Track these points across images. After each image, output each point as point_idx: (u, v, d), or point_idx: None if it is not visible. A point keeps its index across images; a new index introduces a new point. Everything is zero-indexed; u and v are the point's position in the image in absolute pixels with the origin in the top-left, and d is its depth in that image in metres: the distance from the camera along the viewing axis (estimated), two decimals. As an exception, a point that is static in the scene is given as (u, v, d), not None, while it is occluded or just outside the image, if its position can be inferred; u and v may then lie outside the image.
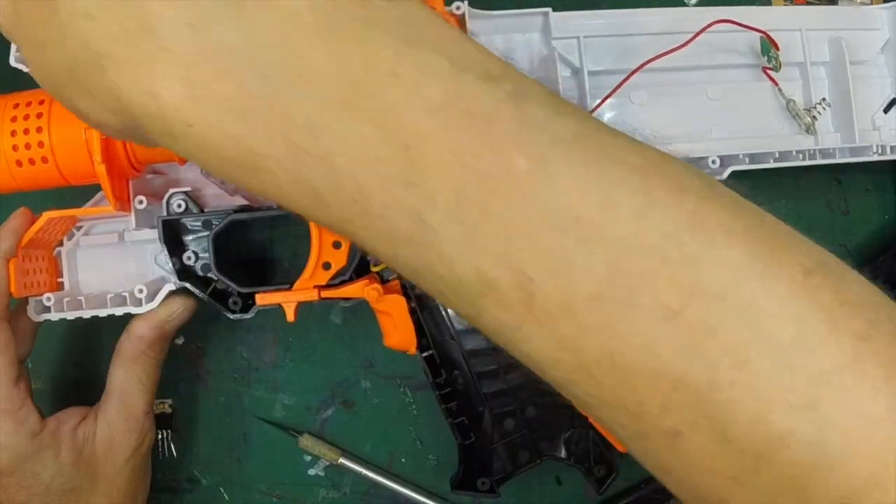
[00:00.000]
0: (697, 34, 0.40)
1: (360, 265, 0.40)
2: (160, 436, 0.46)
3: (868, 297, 0.22)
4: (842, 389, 0.20)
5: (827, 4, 0.47)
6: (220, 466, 0.47)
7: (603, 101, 0.41)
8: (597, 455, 0.42)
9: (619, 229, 0.21)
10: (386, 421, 0.47)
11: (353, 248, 0.40)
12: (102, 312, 0.40)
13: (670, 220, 0.21)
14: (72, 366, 0.48)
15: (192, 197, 0.40)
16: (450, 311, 0.41)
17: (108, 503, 0.40)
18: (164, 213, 0.40)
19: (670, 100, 0.44)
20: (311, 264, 0.39)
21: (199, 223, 0.41)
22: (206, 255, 0.40)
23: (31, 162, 0.36)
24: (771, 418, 0.20)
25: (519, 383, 0.42)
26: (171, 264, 0.40)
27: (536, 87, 0.22)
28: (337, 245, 0.39)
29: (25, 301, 0.40)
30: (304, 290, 0.39)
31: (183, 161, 0.40)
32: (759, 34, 0.42)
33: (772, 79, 0.43)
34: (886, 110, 0.45)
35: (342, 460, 0.46)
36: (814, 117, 0.44)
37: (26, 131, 0.36)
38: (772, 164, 0.42)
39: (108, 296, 0.40)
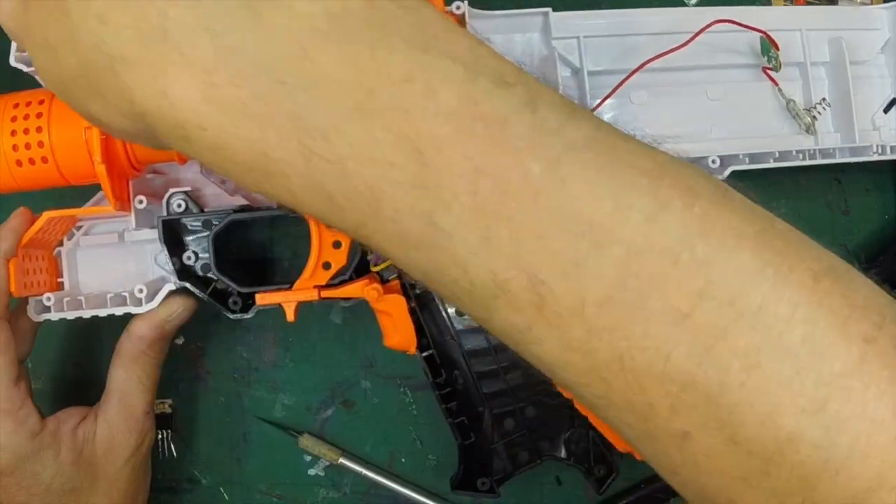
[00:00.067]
0: (697, 34, 0.40)
1: (360, 265, 0.40)
2: (160, 436, 0.46)
3: (874, 299, 0.22)
4: (849, 392, 0.21)
5: (827, 4, 0.47)
6: (220, 466, 0.47)
7: (603, 101, 0.41)
8: (597, 455, 0.42)
9: (630, 233, 0.21)
10: (386, 421, 0.47)
11: (353, 248, 0.40)
12: (102, 312, 0.40)
13: (681, 224, 0.21)
14: (72, 366, 0.48)
15: (192, 197, 0.40)
16: (450, 310, 0.41)
17: (108, 503, 0.40)
18: (164, 213, 0.40)
19: (670, 100, 0.44)
20: (311, 264, 0.39)
21: (199, 223, 0.41)
22: (206, 254, 0.40)
23: (31, 162, 0.36)
24: (780, 421, 0.21)
25: (519, 383, 0.42)
26: (171, 264, 0.40)
27: (549, 92, 0.22)
28: (337, 245, 0.39)
29: (25, 301, 0.40)
30: (304, 289, 0.39)
31: (183, 161, 0.40)
32: (759, 34, 0.42)
33: (772, 79, 0.43)
34: (886, 110, 0.45)
35: (342, 460, 0.46)
36: (814, 117, 0.44)
37: (26, 131, 0.36)
38: (772, 164, 0.42)
39: (108, 296, 0.40)
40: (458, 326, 0.41)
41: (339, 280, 0.39)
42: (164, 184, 0.42)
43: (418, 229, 0.22)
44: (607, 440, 0.42)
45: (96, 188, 0.38)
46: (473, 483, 0.42)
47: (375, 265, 0.40)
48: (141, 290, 0.40)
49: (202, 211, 0.40)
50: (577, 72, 0.43)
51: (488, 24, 0.41)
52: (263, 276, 0.47)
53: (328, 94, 0.21)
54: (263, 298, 0.39)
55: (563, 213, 0.21)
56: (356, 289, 0.39)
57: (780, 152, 0.42)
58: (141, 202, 0.39)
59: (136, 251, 0.43)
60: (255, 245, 0.47)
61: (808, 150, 0.42)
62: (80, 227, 0.42)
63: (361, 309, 0.41)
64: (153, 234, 0.40)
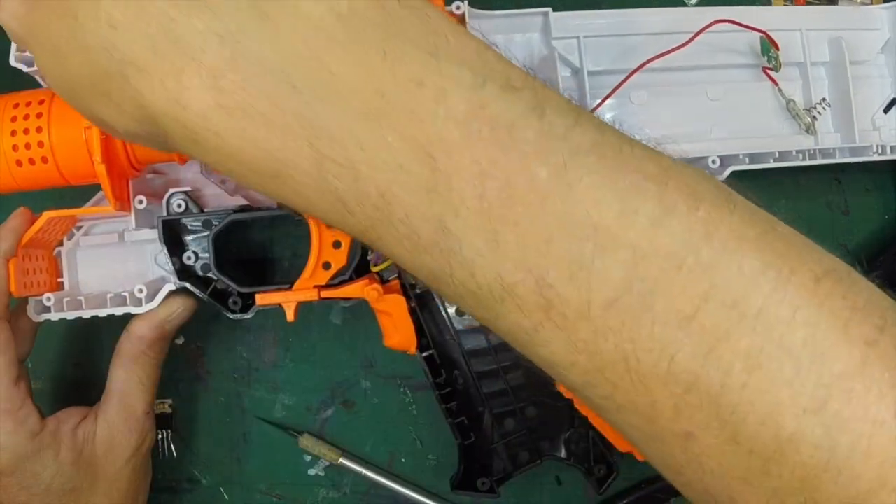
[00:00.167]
0: (697, 34, 0.40)
1: (360, 265, 0.40)
2: (160, 436, 0.46)
3: (876, 302, 0.23)
4: (850, 393, 0.21)
5: (827, 4, 0.47)
6: (220, 466, 0.47)
7: (603, 101, 0.41)
8: (597, 455, 0.43)
9: (636, 236, 0.21)
10: (386, 421, 0.47)
11: (353, 248, 0.40)
12: (102, 312, 0.40)
13: (686, 228, 0.21)
14: (72, 366, 0.48)
15: (192, 197, 0.40)
16: (450, 310, 0.41)
17: (108, 503, 0.40)
18: (164, 213, 0.40)
19: (670, 100, 0.44)
20: (311, 264, 0.39)
21: (199, 223, 0.41)
22: (206, 254, 0.40)
23: (31, 162, 0.36)
24: (781, 421, 0.21)
25: (519, 383, 0.42)
26: (171, 264, 0.40)
27: (556, 97, 0.23)
28: (337, 245, 0.39)
29: (25, 301, 0.40)
30: (304, 290, 0.39)
31: (183, 161, 0.40)
32: (759, 34, 0.42)
33: (772, 79, 0.43)
34: (886, 110, 0.45)
35: (342, 460, 0.46)
36: (814, 117, 0.44)
37: (26, 131, 0.36)
38: (772, 164, 0.42)
39: (108, 296, 0.40)
40: (458, 326, 0.41)
41: (339, 280, 0.39)
42: (164, 184, 0.42)
43: (428, 233, 0.22)
44: (607, 440, 0.42)
45: (96, 188, 0.38)
46: (473, 483, 0.42)
47: (375, 265, 0.40)
48: (141, 291, 0.40)
49: (202, 211, 0.40)
50: (577, 72, 0.43)
51: (488, 24, 0.41)
52: (263, 276, 0.47)
53: (339, 97, 0.21)
54: (263, 298, 0.39)
55: (569, 217, 0.21)
56: (356, 289, 0.39)
57: (780, 152, 0.42)
58: (141, 202, 0.39)
59: (136, 251, 0.43)
60: (255, 245, 0.47)
61: (808, 150, 0.42)
62: (80, 227, 0.42)
63: (361, 309, 0.41)
64: (153, 234, 0.40)
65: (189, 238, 0.41)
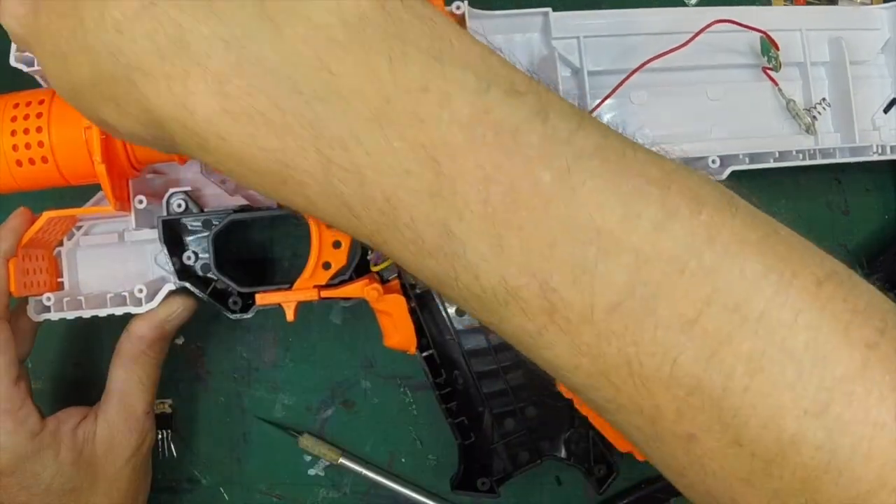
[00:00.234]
0: (697, 34, 0.40)
1: (360, 265, 0.40)
2: (160, 436, 0.46)
3: (877, 304, 0.23)
4: (851, 396, 0.21)
5: (827, 4, 0.47)
6: (220, 466, 0.47)
7: (603, 101, 0.41)
8: (597, 455, 0.43)
9: (639, 240, 0.21)
10: (386, 421, 0.47)
11: (353, 248, 0.40)
12: (102, 312, 0.40)
13: (688, 232, 0.21)
14: (72, 366, 0.48)
15: (192, 197, 0.40)
16: (450, 310, 0.41)
17: (108, 503, 0.40)
18: (164, 213, 0.40)
19: (670, 100, 0.44)
20: (311, 264, 0.39)
21: (199, 223, 0.41)
22: (206, 254, 0.40)
23: (31, 162, 0.36)
24: (783, 423, 0.21)
25: (519, 383, 0.42)
26: (170, 264, 0.40)
27: (559, 101, 0.23)
28: (337, 245, 0.39)
29: (25, 301, 0.40)
30: (304, 289, 0.39)
31: (183, 161, 0.40)
32: (759, 34, 0.42)
33: (772, 79, 0.43)
34: (886, 110, 0.45)
35: (342, 460, 0.46)
36: (814, 117, 0.44)
37: (26, 131, 0.36)
38: (772, 164, 0.42)
39: (108, 296, 0.40)
40: (458, 326, 0.41)
41: (339, 280, 0.39)
42: (163, 184, 0.42)
43: (433, 237, 0.22)
44: (607, 440, 0.42)
45: (96, 188, 0.38)
46: (473, 483, 0.42)
47: (375, 265, 0.40)
48: (141, 290, 0.40)
49: (202, 211, 0.40)
50: (577, 72, 0.43)
51: (488, 24, 0.41)
52: (263, 276, 0.47)
53: (345, 103, 0.21)
54: (263, 298, 0.39)
55: (572, 221, 0.21)
56: (356, 289, 0.39)
57: (780, 152, 0.42)
58: (141, 202, 0.39)
59: (136, 251, 0.43)
60: (255, 245, 0.47)
61: (808, 150, 0.42)
62: (80, 227, 0.42)
63: (361, 309, 0.41)
64: (153, 233, 0.40)
65: (189, 238, 0.41)
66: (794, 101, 0.44)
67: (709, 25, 0.40)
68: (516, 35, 0.43)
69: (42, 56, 0.26)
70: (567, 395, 0.40)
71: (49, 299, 0.40)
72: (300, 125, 0.22)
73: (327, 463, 0.47)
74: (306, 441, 0.46)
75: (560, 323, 0.22)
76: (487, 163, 0.21)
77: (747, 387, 0.21)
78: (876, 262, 0.47)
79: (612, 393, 0.23)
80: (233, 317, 0.41)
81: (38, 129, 0.36)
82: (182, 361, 0.47)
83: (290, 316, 0.39)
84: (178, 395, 0.47)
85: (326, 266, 0.39)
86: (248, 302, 0.41)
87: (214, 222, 0.40)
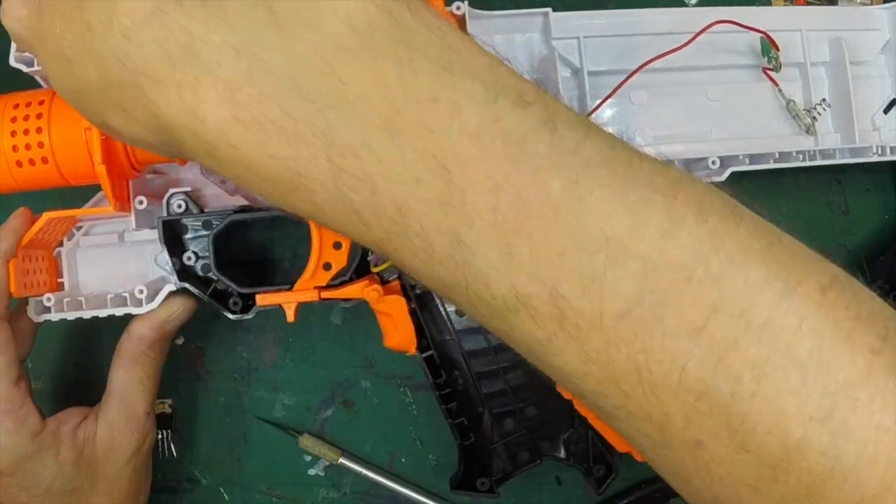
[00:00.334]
0: (698, 34, 0.40)
1: (361, 266, 0.40)
2: (160, 436, 0.46)
3: (879, 311, 0.23)
4: (855, 401, 0.21)
5: (827, 5, 0.47)
6: (220, 466, 0.47)
7: (603, 101, 0.41)
8: (596, 455, 0.43)
9: (646, 248, 0.21)
10: (386, 421, 0.47)
11: (354, 249, 0.40)
12: (102, 313, 0.40)
13: (694, 240, 0.22)
14: (72, 366, 0.48)
15: (192, 197, 0.40)
16: (450, 311, 0.41)
17: (109, 503, 0.40)
18: (165, 214, 0.40)
19: (670, 100, 0.44)
20: (312, 265, 0.39)
21: (200, 223, 0.41)
22: (207, 255, 0.40)
23: (31, 162, 0.36)
24: (788, 428, 0.21)
25: (519, 383, 0.42)
26: (171, 265, 0.40)
27: (567, 111, 0.23)
28: (337, 246, 0.39)
29: (25, 301, 0.40)
30: (305, 290, 0.39)
31: (183, 162, 0.40)
32: (760, 35, 0.42)
33: (772, 79, 0.43)
34: (886, 111, 0.45)
35: (342, 460, 0.46)
36: (814, 118, 0.44)
37: (26, 132, 0.36)
38: (772, 165, 0.42)
39: (109, 296, 0.40)
40: (458, 327, 0.41)
41: (339, 281, 0.39)
42: (164, 184, 0.42)
43: (443, 245, 0.22)
44: (606, 441, 0.42)
45: (96, 188, 0.38)
46: (473, 483, 0.42)
47: (376, 266, 0.40)
48: (141, 291, 0.40)
49: (202, 211, 0.40)
50: (577, 72, 0.43)
51: (488, 24, 0.41)
52: (264, 276, 0.47)
53: (356, 112, 0.22)
54: (264, 299, 0.39)
55: (581, 229, 0.21)
56: (356, 290, 0.39)
57: (780, 153, 0.42)
58: (141, 203, 0.39)
59: (137, 251, 0.43)
60: (255, 245, 0.47)
61: (808, 151, 0.42)
62: (80, 228, 0.42)
63: (361, 309, 0.41)
64: (153, 234, 0.40)
65: (189, 238, 0.41)
66: (795, 102, 0.44)
67: (709, 26, 0.40)
68: (516, 35, 0.43)
69: (44, 58, 0.26)
70: (567, 395, 0.40)
71: (49, 300, 0.40)
72: (311, 133, 0.22)
73: (327, 463, 0.47)
74: (306, 441, 0.46)
75: (570, 330, 0.22)
76: (496, 172, 0.21)
77: (754, 392, 0.21)
78: (876, 262, 0.47)
79: (621, 400, 0.23)
80: (233, 317, 0.41)
81: (39, 130, 0.36)
82: (182, 361, 0.47)
83: (290, 317, 0.39)
84: (178, 395, 0.47)
85: (327, 267, 0.39)
86: (248, 303, 0.41)
87: (215, 223, 0.40)
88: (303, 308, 0.39)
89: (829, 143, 0.44)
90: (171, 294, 0.41)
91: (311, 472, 0.47)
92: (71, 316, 0.40)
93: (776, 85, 0.44)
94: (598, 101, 0.42)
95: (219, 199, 0.42)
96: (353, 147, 0.22)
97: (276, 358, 0.47)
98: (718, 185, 0.28)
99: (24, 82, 0.39)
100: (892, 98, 0.45)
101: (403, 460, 0.47)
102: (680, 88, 0.44)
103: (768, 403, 0.21)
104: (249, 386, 0.47)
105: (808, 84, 0.44)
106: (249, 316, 0.41)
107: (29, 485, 0.38)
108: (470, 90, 0.22)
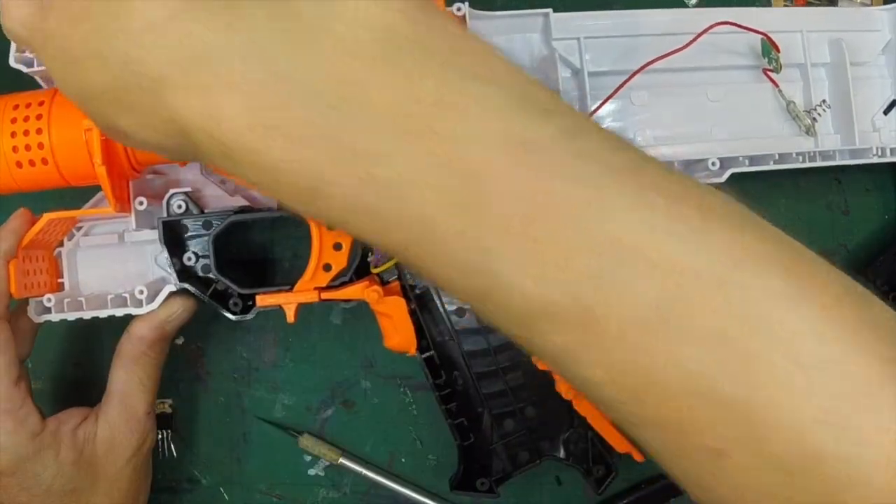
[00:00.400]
0: (698, 36, 0.40)
1: (361, 267, 0.40)
2: (160, 436, 0.46)
3: (889, 320, 0.23)
4: (872, 408, 0.21)
5: (827, 6, 0.47)
6: (220, 466, 0.47)
7: (604, 102, 0.41)
8: (595, 455, 0.43)
9: (668, 257, 0.21)
10: (386, 421, 0.47)
11: (354, 250, 0.40)
12: (103, 313, 0.40)
13: (715, 249, 0.22)
14: (72, 366, 0.48)
15: (193, 198, 0.40)
16: (450, 311, 0.41)
17: (109, 503, 0.40)
18: (165, 214, 0.40)
19: (671, 101, 0.44)
20: (312, 266, 0.39)
21: (200, 224, 0.41)
22: (207, 255, 0.40)
23: (31, 163, 0.36)
24: (806, 436, 0.21)
25: (518, 384, 0.42)
26: (171, 265, 0.40)
27: (587, 121, 0.23)
28: (338, 246, 0.39)
29: (26, 302, 0.40)
30: (305, 291, 0.39)
31: (184, 163, 0.40)
32: (760, 35, 0.42)
33: (772, 80, 0.43)
34: (886, 112, 0.45)
35: (342, 460, 0.47)
36: (814, 119, 0.44)
37: (26, 132, 0.36)
38: (772, 166, 0.42)
39: (109, 297, 0.40)
40: (458, 328, 0.42)
41: (339, 282, 0.39)
42: (164, 185, 0.42)
43: (466, 253, 0.22)
44: (606, 441, 0.42)
45: (96, 189, 0.38)
46: (473, 483, 0.42)
47: (376, 267, 0.40)
48: (141, 291, 0.40)
49: (202, 212, 0.40)
50: (577, 72, 0.43)
51: (489, 24, 0.41)
52: (264, 277, 0.47)
53: (376, 117, 0.21)
54: (264, 300, 0.39)
55: (603, 237, 0.21)
56: (356, 290, 0.39)
57: (780, 154, 0.42)
58: (141, 203, 0.39)
59: (137, 252, 0.43)
60: (255, 246, 0.47)
61: (809, 153, 0.42)
62: (80, 228, 0.42)
63: (361, 309, 0.41)
64: (153, 234, 0.40)
65: (189, 239, 0.41)
66: (795, 103, 0.44)
67: (710, 27, 0.40)
68: (517, 36, 0.43)
69: (48, 60, 0.25)
70: (566, 395, 0.40)
71: (49, 300, 0.40)
72: (332, 139, 0.22)
73: (327, 463, 0.47)
74: (306, 441, 0.47)
75: (591, 338, 0.22)
76: (518, 180, 0.21)
77: (774, 400, 0.21)
78: (876, 262, 0.47)
79: (641, 408, 0.23)
80: (233, 318, 0.41)
81: (39, 131, 0.36)
82: (182, 361, 0.47)
83: (290, 317, 0.39)
84: (178, 395, 0.47)
85: (327, 268, 0.39)
86: (248, 303, 0.41)
87: (215, 223, 0.40)
88: (303, 308, 0.39)
89: (829, 145, 0.44)
90: (172, 294, 0.41)
91: (311, 472, 0.47)
92: (71, 316, 0.40)
93: (776, 86, 0.44)
94: (599, 102, 0.42)
95: (219, 199, 0.42)
96: (375, 154, 0.21)
97: (276, 358, 0.47)
98: (718, 186, 0.28)
99: (24, 82, 0.39)
100: (892, 99, 0.45)
101: (403, 460, 0.47)
102: (680, 89, 0.44)
103: (787, 411, 0.21)
104: (249, 386, 0.47)
105: (809, 85, 0.44)
106: (249, 316, 0.41)
107: (29, 485, 0.38)
108: (493, 98, 0.22)
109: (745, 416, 0.21)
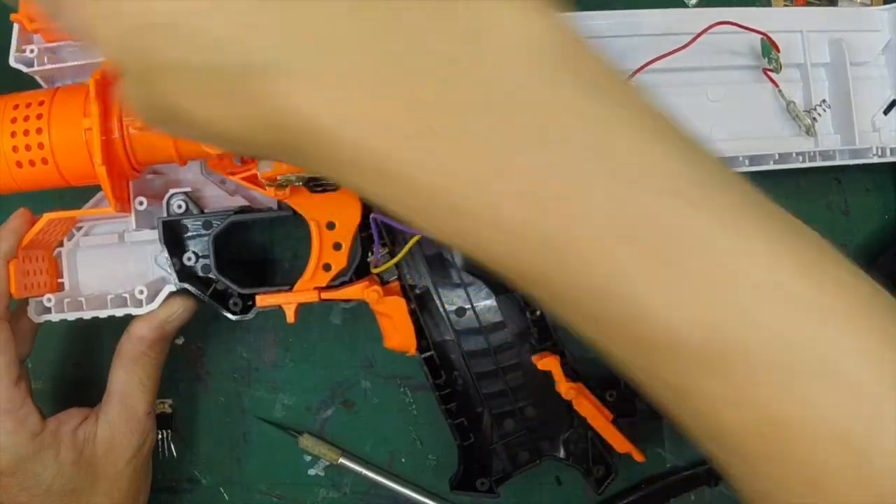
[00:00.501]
0: (698, 35, 0.40)
1: (361, 267, 0.40)
2: (160, 436, 0.46)
3: None
4: None
5: (827, 5, 0.47)
6: (220, 466, 0.47)
7: (603, 102, 0.41)
8: (595, 455, 0.43)
9: (816, 301, 0.21)
10: (386, 421, 0.47)
11: (354, 250, 0.40)
12: (103, 313, 0.40)
13: (836, 283, 0.22)
14: (72, 366, 0.48)
15: (192, 198, 0.40)
16: (450, 312, 0.41)
17: (109, 503, 0.40)
18: (165, 214, 0.40)
19: (670, 101, 0.43)
20: (312, 266, 0.39)
21: (200, 224, 0.41)
22: (207, 255, 0.40)
23: (31, 163, 0.36)
24: None
25: (518, 384, 0.42)
26: (171, 265, 0.40)
27: (708, 156, 0.22)
28: (337, 246, 0.39)
29: (26, 302, 0.40)
30: (305, 291, 0.39)
31: (183, 162, 0.39)
32: (760, 35, 0.42)
33: (772, 80, 0.43)
34: (886, 112, 0.45)
35: (342, 460, 0.47)
36: (814, 119, 0.44)
37: (26, 132, 0.36)
38: (772, 166, 0.42)
39: (109, 297, 0.40)
40: (458, 328, 0.42)
41: (339, 282, 0.39)
42: (164, 185, 0.42)
43: (601, 278, 0.21)
44: (606, 441, 0.42)
45: (96, 188, 0.38)
46: (473, 483, 0.42)
47: (375, 267, 0.40)
48: (141, 292, 0.40)
49: (202, 212, 0.40)
50: (577, 73, 0.43)
51: (489, 25, 0.41)
52: (264, 277, 0.47)
53: (530, 138, 0.20)
54: (264, 300, 0.39)
55: (743, 270, 0.21)
56: (356, 290, 0.39)
57: (780, 154, 0.42)
58: (141, 203, 0.39)
59: (137, 252, 0.43)
60: (255, 246, 0.47)
61: (808, 153, 0.42)
62: (80, 228, 0.42)
63: (361, 309, 0.41)
64: (153, 234, 0.40)
65: (189, 239, 0.41)
66: (795, 103, 0.44)
67: (710, 27, 0.40)
68: (517, 36, 0.43)
69: (105, 40, 0.22)
70: (566, 396, 0.40)
71: (49, 300, 0.40)
72: (480, 152, 0.20)
73: (327, 463, 0.47)
74: (306, 441, 0.47)
75: (720, 372, 0.21)
76: (655, 212, 0.21)
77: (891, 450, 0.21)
78: (876, 262, 0.47)
79: (760, 443, 0.22)
80: (233, 318, 0.41)
81: (39, 131, 0.36)
82: (182, 361, 0.47)
83: (290, 317, 0.39)
84: (178, 395, 0.47)
85: (327, 268, 0.39)
86: (248, 303, 0.41)
87: (215, 223, 0.40)
88: (303, 308, 0.39)
89: (828, 145, 0.44)
90: (172, 294, 0.41)
91: (311, 472, 0.47)
92: (71, 316, 0.40)
93: (776, 86, 0.44)
94: (599, 102, 0.41)
95: (219, 199, 0.42)
96: (525, 174, 0.20)
97: (276, 358, 0.47)
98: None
99: (24, 82, 0.39)
100: (892, 99, 0.45)
101: (403, 460, 0.47)
102: (680, 89, 0.44)
103: None
104: (249, 386, 0.47)
105: (809, 85, 0.44)
106: (249, 316, 0.41)
107: (29, 485, 0.38)
108: (622, 125, 0.21)
109: (860, 454, 0.21)
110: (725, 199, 0.21)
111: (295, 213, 0.40)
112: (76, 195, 0.41)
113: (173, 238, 0.40)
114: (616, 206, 0.21)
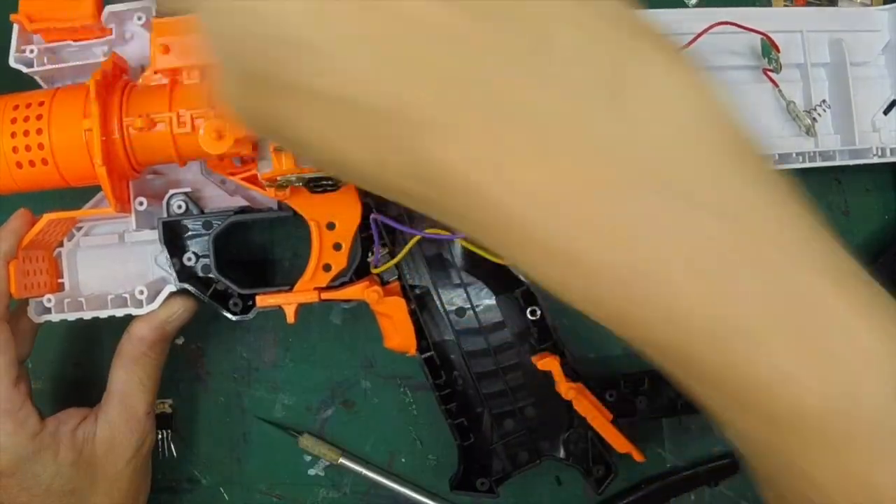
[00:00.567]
0: (698, 36, 0.40)
1: (361, 267, 0.40)
2: (160, 436, 0.46)
3: None
4: None
5: (827, 6, 0.47)
6: (220, 466, 0.47)
7: (603, 102, 0.41)
8: (595, 455, 0.43)
9: None
10: (386, 421, 0.47)
11: (354, 250, 0.40)
12: (103, 314, 0.40)
13: None
14: (72, 366, 0.48)
15: (193, 198, 0.40)
16: (450, 312, 0.41)
17: (108, 503, 0.40)
18: (165, 214, 0.40)
19: (671, 101, 0.44)
20: (312, 266, 0.39)
21: (200, 224, 0.41)
22: (207, 256, 0.40)
23: (31, 164, 0.36)
24: None
25: (518, 384, 0.42)
26: (171, 265, 0.40)
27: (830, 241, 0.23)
28: (338, 247, 0.39)
29: (26, 302, 0.40)
30: (305, 291, 0.39)
31: (183, 162, 0.39)
32: (760, 36, 0.42)
33: (772, 80, 0.43)
34: (886, 112, 0.45)
35: (342, 460, 0.47)
36: (814, 119, 0.44)
37: (26, 133, 0.36)
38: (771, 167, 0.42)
39: (109, 297, 0.40)
40: (458, 328, 0.42)
41: (339, 282, 0.40)
42: (164, 185, 0.42)
43: (760, 372, 0.21)
44: (606, 441, 0.42)
45: (96, 189, 0.38)
46: (473, 483, 0.42)
47: (376, 267, 0.40)
48: (142, 292, 0.40)
49: (202, 212, 0.40)
50: (577, 73, 0.43)
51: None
52: (264, 277, 0.47)
53: (710, 227, 0.19)
54: (264, 300, 0.39)
55: (871, 349, 0.21)
56: (356, 291, 0.39)
57: (780, 154, 0.42)
58: (141, 203, 0.39)
59: (137, 252, 0.43)
60: (255, 246, 0.47)
61: (808, 153, 0.42)
62: (80, 228, 0.42)
63: (361, 309, 0.41)
64: (153, 235, 0.40)
65: (189, 239, 0.41)
66: (795, 103, 0.44)
67: (710, 27, 0.40)
68: (517, 36, 0.43)
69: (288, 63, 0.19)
70: (566, 396, 0.40)
71: (50, 301, 0.40)
72: (660, 232, 0.19)
73: (327, 463, 0.47)
74: (306, 441, 0.47)
75: (835, 448, 0.21)
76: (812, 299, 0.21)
77: None
78: (876, 262, 0.47)
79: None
80: (233, 318, 0.41)
81: (39, 131, 0.36)
82: (182, 361, 0.47)
83: (290, 318, 0.39)
84: (178, 395, 0.47)
85: (327, 268, 0.39)
86: (248, 303, 0.41)
87: (215, 223, 0.40)
88: (303, 308, 0.39)
89: (828, 145, 0.44)
90: (172, 295, 0.41)
91: (311, 472, 0.47)
92: (71, 317, 0.40)
93: (776, 86, 0.44)
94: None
95: (219, 199, 0.42)
96: (712, 269, 0.19)
97: (276, 358, 0.47)
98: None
99: (24, 82, 0.39)
100: (892, 99, 0.45)
101: (403, 460, 0.47)
102: (680, 89, 0.44)
103: None
104: (249, 386, 0.47)
105: (809, 85, 0.44)
106: (249, 316, 0.41)
107: (29, 485, 0.38)
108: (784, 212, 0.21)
109: None
110: (860, 286, 0.22)
111: (295, 213, 0.40)
112: (76, 195, 0.41)
113: (173, 238, 0.40)
114: (779, 292, 0.20)
